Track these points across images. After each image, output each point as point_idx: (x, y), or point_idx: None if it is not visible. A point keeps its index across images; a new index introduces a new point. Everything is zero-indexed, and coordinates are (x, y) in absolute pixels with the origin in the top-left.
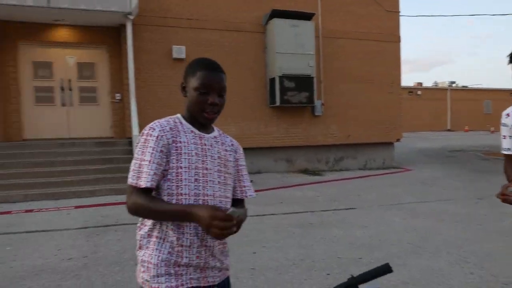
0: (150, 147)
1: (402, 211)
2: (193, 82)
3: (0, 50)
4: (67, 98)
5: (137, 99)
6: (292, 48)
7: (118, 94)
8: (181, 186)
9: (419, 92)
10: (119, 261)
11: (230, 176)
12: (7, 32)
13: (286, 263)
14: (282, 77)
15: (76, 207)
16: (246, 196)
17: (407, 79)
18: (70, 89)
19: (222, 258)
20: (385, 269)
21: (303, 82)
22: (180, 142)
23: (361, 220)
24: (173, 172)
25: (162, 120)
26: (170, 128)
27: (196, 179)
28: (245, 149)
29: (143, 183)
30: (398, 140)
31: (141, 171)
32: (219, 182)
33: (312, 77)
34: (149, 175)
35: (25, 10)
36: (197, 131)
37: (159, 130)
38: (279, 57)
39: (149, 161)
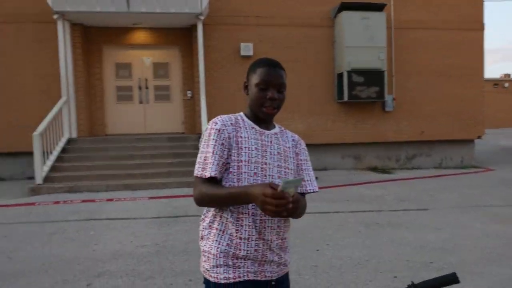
0: (213, 139)
1: (481, 215)
2: (254, 79)
3: (88, 53)
4: (144, 96)
5: (206, 96)
6: (362, 41)
7: (189, 92)
8: (241, 179)
9: (506, 85)
10: (187, 250)
11: (290, 171)
12: (94, 37)
13: (350, 262)
14: (351, 72)
15: (150, 198)
16: (307, 191)
17: (493, 71)
18: (147, 88)
19: (281, 253)
20: (451, 279)
21: (373, 76)
22: (241, 137)
23: (434, 222)
24: (234, 165)
25: (225, 116)
26: (232, 123)
27: (255, 173)
28: (311, 145)
29: (208, 173)
30: (479, 137)
31: (206, 163)
32: (278, 176)
33: (383, 71)
34: (212, 165)
35: (107, 16)
36: (258, 128)
37: (221, 124)
38: (348, 51)
39: (212, 153)
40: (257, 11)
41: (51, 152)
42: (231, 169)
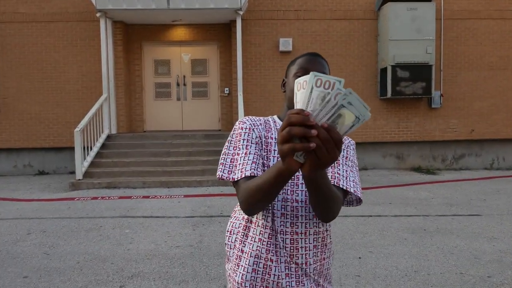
0: (244, 139)
1: None
2: (293, 70)
3: (128, 51)
4: (182, 93)
5: (244, 92)
6: (408, 34)
7: (226, 88)
8: None
9: None
10: (222, 253)
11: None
12: (133, 34)
13: (396, 273)
14: (395, 66)
15: (185, 196)
16: (339, 185)
17: None
18: (185, 84)
19: (320, 279)
20: None
21: (419, 71)
22: (271, 138)
23: (489, 230)
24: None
25: (253, 117)
26: (260, 123)
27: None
28: None
29: (244, 173)
30: None
31: (238, 164)
32: None
33: (431, 65)
34: (247, 164)
35: (148, 13)
36: None
37: (250, 124)
38: (392, 44)
39: (246, 153)
40: (296, 4)
41: (91, 148)
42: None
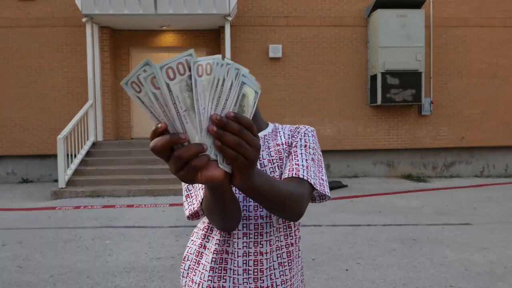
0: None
1: None
2: None
3: (115, 56)
4: None
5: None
6: (398, 41)
7: None
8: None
9: None
10: None
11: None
12: (121, 40)
13: (384, 286)
14: (385, 73)
15: (171, 204)
16: (299, 175)
17: None
18: None
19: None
20: None
21: (409, 78)
22: None
23: (479, 240)
24: None
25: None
26: None
27: (244, 197)
28: (341, 151)
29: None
30: None
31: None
32: None
33: (420, 72)
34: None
35: (135, 19)
36: None
37: None
38: (382, 51)
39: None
40: (286, 11)
41: (76, 156)
42: None
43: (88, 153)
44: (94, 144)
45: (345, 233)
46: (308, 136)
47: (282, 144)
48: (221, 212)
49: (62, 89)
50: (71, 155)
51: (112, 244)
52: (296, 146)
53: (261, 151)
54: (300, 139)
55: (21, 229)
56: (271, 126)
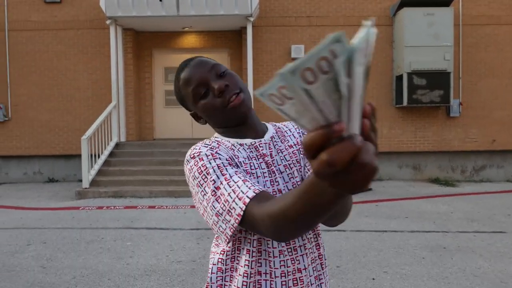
0: (213, 167)
1: None
2: (189, 97)
3: (138, 58)
4: None
5: (254, 100)
6: (425, 40)
7: None
8: None
9: None
10: None
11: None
12: (144, 42)
13: None
14: (411, 74)
15: (192, 206)
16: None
17: None
18: None
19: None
20: None
21: (437, 79)
22: (240, 157)
23: None
24: None
25: (199, 144)
26: (217, 145)
27: None
28: None
29: (245, 198)
30: None
31: (228, 200)
32: None
33: (449, 73)
34: (242, 186)
35: (158, 21)
36: (248, 140)
37: (208, 149)
38: (408, 51)
39: (225, 180)
40: (309, 11)
41: (99, 156)
42: None
43: (111, 154)
44: (117, 145)
45: (371, 239)
46: None
47: (295, 145)
48: (340, 209)
49: (86, 91)
50: (95, 155)
51: (133, 246)
52: None
53: (278, 155)
54: None
55: (45, 229)
56: (270, 126)
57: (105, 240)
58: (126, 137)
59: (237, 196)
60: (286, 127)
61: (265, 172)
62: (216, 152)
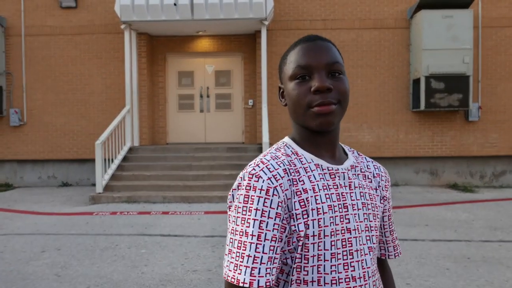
0: (257, 210)
1: None
2: (287, 71)
3: (152, 62)
4: (205, 104)
5: (268, 104)
6: (443, 43)
7: (250, 100)
8: (307, 269)
9: None
10: None
11: (377, 231)
12: (158, 46)
13: None
14: (429, 77)
15: (206, 212)
16: (394, 255)
17: None
18: (208, 96)
19: None
20: None
21: (455, 82)
22: (304, 190)
23: None
24: (296, 246)
25: (269, 157)
26: (285, 170)
27: (333, 254)
28: (380, 158)
29: (256, 283)
30: None
31: (245, 256)
32: (370, 250)
33: (468, 76)
34: (261, 263)
35: (172, 25)
36: (324, 163)
37: (269, 181)
38: (426, 54)
39: (258, 237)
40: (324, 14)
41: (112, 161)
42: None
43: (124, 158)
44: (130, 149)
45: None
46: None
47: (376, 190)
48: None
49: (100, 95)
50: (109, 159)
51: (148, 254)
52: (390, 209)
53: (356, 189)
54: (390, 195)
55: (60, 235)
56: (350, 153)
57: (119, 247)
58: (139, 141)
59: (251, 268)
60: (365, 162)
61: (335, 206)
62: (273, 191)
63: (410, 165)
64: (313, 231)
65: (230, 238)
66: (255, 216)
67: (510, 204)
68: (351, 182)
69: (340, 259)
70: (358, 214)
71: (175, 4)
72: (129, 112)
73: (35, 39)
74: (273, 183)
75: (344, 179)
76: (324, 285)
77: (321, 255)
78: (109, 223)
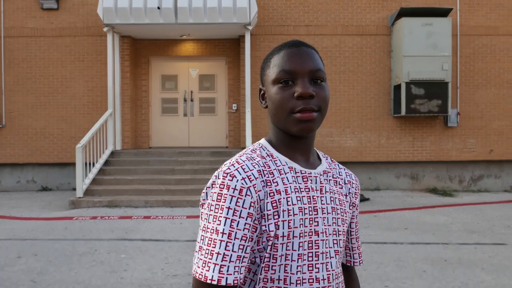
0: (228, 209)
1: None
2: (270, 74)
3: (135, 66)
4: (189, 108)
5: (252, 109)
6: (423, 50)
7: (234, 104)
8: (275, 268)
9: None
10: None
11: (344, 237)
12: (141, 49)
13: None
14: (409, 83)
15: (188, 216)
16: (359, 263)
17: None
18: (192, 100)
19: None
20: None
21: (435, 88)
22: (277, 192)
23: None
24: (265, 245)
25: (244, 157)
26: (259, 171)
27: (300, 255)
28: (362, 163)
29: (224, 279)
30: None
31: (215, 253)
32: (336, 253)
33: (447, 82)
34: (230, 261)
35: (155, 28)
36: (298, 166)
37: (243, 178)
38: (406, 60)
39: (229, 236)
40: (307, 20)
41: (94, 165)
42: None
43: (106, 162)
44: (112, 153)
45: (370, 251)
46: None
47: (346, 196)
48: None
49: (82, 98)
50: (90, 163)
51: (127, 259)
52: (357, 216)
53: (327, 193)
54: (358, 203)
55: (37, 240)
56: (323, 159)
57: (98, 252)
58: (121, 145)
59: (219, 265)
60: (338, 170)
61: (306, 208)
62: (246, 192)
63: (391, 170)
64: (283, 232)
65: (201, 235)
66: (227, 214)
67: (487, 208)
68: (323, 186)
69: (305, 260)
70: (327, 218)
71: (158, 8)
72: (111, 115)
73: (15, 41)
74: (246, 183)
75: (316, 183)
76: (290, 285)
77: (289, 255)
78: (89, 228)
